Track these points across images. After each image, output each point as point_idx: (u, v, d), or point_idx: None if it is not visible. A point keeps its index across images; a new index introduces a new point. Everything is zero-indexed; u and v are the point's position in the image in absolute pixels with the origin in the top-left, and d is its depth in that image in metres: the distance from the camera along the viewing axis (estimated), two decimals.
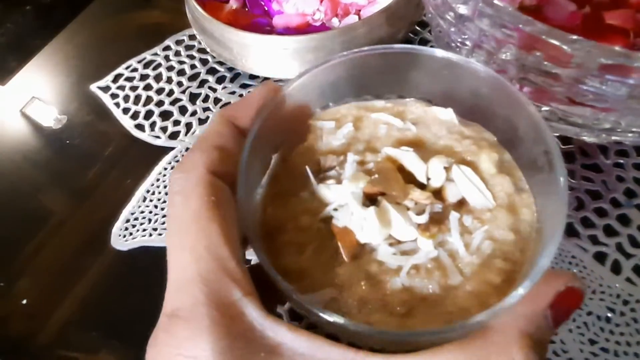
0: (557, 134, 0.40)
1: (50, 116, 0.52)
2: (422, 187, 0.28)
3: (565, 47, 0.27)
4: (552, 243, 0.23)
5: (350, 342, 0.22)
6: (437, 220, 0.27)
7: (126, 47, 0.55)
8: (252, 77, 0.52)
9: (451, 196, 0.28)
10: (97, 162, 0.48)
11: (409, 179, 0.29)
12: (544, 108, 0.33)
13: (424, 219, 0.26)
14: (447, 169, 0.28)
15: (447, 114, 0.32)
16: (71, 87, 0.53)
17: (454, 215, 0.27)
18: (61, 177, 0.48)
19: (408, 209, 0.27)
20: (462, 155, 0.30)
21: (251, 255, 0.26)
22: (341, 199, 0.27)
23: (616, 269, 0.37)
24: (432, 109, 0.33)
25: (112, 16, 0.61)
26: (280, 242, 0.27)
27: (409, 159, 0.29)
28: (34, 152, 0.50)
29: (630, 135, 0.33)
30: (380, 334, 0.22)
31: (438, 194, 0.28)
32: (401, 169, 0.29)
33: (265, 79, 0.51)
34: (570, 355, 0.34)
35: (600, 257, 0.37)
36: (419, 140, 0.31)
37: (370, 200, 0.28)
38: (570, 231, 0.39)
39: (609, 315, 0.35)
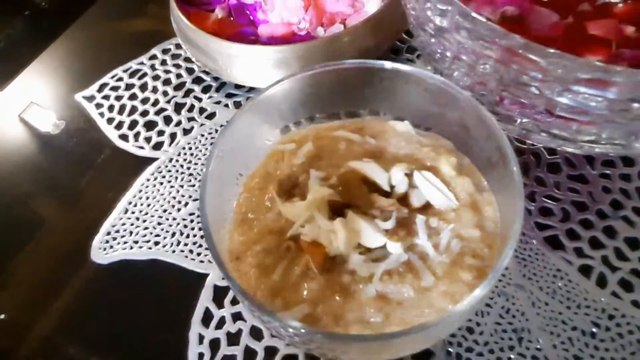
0: (541, 145, 0.41)
1: (49, 121, 0.51)
2: (386, 195, 0.29)
3: (542, 61, 0.27)
4: (512, 234, 0.23)
5: None
6: (404, 225, 0.27)
7: (117, 54, 0.55)
8: (238, 86, 0.51)
9: (416, 201, 0.28)
10: (82, 172, 0.46)
11: (373, 188, 0.29)
12: (525, 120, 0.32)
13: (390, 224, 0.26)
14: (409, 176, 0.29)
15: (404, 126, 0.33)
16: (68, 93, 0.53)
17: (420, 218, 0.27)
18: (45, 187, 0.46)
19: (374, 217, 0.27)
20: (422, 162, 0.31)
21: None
22: (307, 214, 0.27)
23: (602, 282, 0.35)
24: (389, 124, 0.34)
25: (109, 22, 0.61)
26: (249, 266, 0.27)
27: (371, 169, 0.29)
28: (25, 159, 0.48)
29: (612, 147, 0.33)
30: (357, 339, 0.22)
31: (403, 200, 0.29)
32: (364, 180, 0.29)
33: (252, 89, 0.51)
34: None
35: (585, 270, 0.36)
36: (379, 152, 0.32)
37: (336, 213, 0.28)
38: (555, 243, 0.37)
39: (594, 330, 0.33)
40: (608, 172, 0.42)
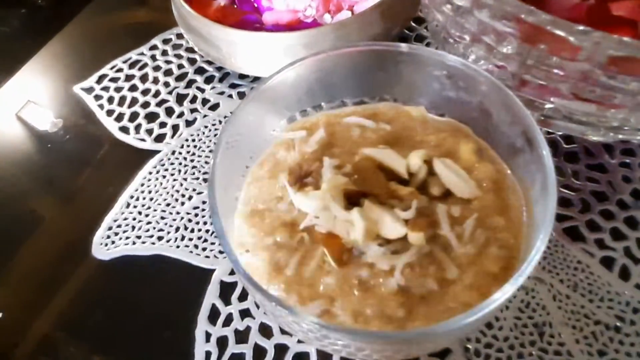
0: (560, 133, 0.39)
1: (47, 120, 0.49)
2: (404, 183, 0.27)
3: (571, 38, 0.25)
4: (545, 223, 0.22)
5: None
6: (425, 214, 0.25)
7: (117, 46, 0.53)
8: (242, 76, 0.49)
9: (436, 189, 0.27)
10: (81, 167, 0.44)
11: (390, 176, 0.27)
12: (547, 105, 0.31)
13: (410, 213, 0.25)
14: (428, 163, 0.27)
15: (419, 112, 0.32)
16: (65, 90, 0.51)
17: (441, 207, 0.26)
18: (44, 182, 0.45)
19: (393, 206, 0.26)
20: (440, 148, 0.29)
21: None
22: (322, 204, 0.26)
23: (625, 274, 0.34)
24: (404, 109, 0.32)
25: (107, 16, 0.59)
26: (260, 260, 0.25)
27: (388, 156, 0.28)
28: (24, 157, 0.47)
29: (639, 133, 0.31)
30: (378, 336, 0.20)
31: (422, 188, 0.27)
32: (381, 168, 0.28)
33: (256, 78, 0.49)
34: None
35: (607, 263, 0.35)
36: (394, 139, 0.30)
37: (352, 202, 0.26)
38: (576, 235, 0.36)
39: (618, 324, 0.32)
40: (628, 160, 0.40)
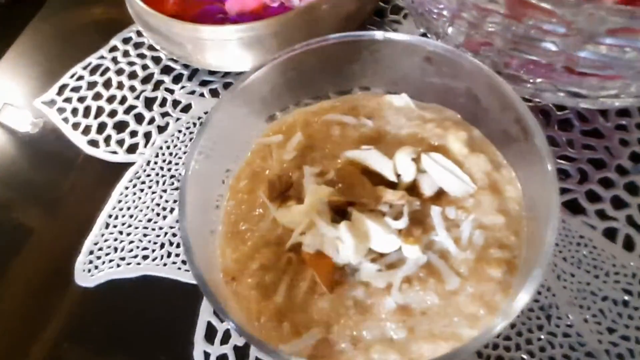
0: (551, 102, 0.37)
1: (26, 121, 0.47)
2: (393, 186, 0.25)
3: (560, 11, 0.23)
4: (552, 215, 0.20)
5: None
6: (419, 221, 0.24)
7: (74, 50, 0.50)
8: (212, 72, 0.47)
9: (427, 189, 0.25)
10: (52, 188, 0.42)
11: (377, 179, 0.25)
12: (538, 80, 0.29)
13: (403, 222, 0.23)
14: (416, 160, 0.25)
15: (402, 100, 0.29)
16: (27, 104, 0.48)
17: (435, 210, 0.24)
18: (12, 210, 0.43)
19: (383, 214, 0.24)
20: (428, 142, 0.27)
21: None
22: (306, 220, 0.24)
23: (629, 245, 0.33)
24: (385, 98, 0.30)
25: (58, 18, 0.55)
26: (247, 287, 0.23)
27: (373, 158, 0.26)
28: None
29: (636, 99, 0.29)
30: None
31: (412, 190, 0.25)
32: (366, 171, 0.26)
33: (227, 73, 0.46)
34: (589, 347, 0.30)
35: (610, 234, 0.33)
36: (378, 135, 0.28)
37: (339, 213, 0.24)
38: (575, 208, 0.35)
39: (626, 298, 0.31)
40: (624, 122, 0.38)
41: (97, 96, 0.47)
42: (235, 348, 0.33)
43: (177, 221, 0.38)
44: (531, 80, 0.28)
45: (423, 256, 0.22)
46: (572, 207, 0.35)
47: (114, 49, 0.50)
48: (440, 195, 0.25)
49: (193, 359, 0.33)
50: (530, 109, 0.23)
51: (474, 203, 0.24)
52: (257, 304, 0.23)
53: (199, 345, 0.33)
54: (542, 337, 0.31)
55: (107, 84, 0.48)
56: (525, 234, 0.23)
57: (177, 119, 0.44)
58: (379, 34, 0.27)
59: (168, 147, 0.43)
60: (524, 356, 0.30)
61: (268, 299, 0.23)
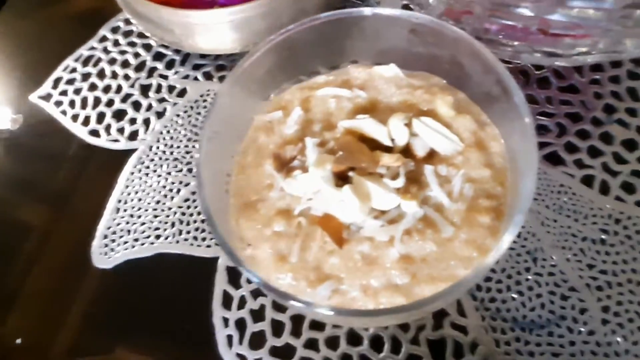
0: (529, 63, 0.39)
1: (5, 118, 0.47)
2: (388, 150, 0.28)
3: None
4: (531, 166, 0.22)
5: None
6: (414, 179, 0.26)
7: (63, 42, 0.50)
8: (203, 56, 0.47)
9: (420, 150, 0.27)
10: (61, 178, 0.43)
11: (374, 145, 0.28)
12: (516, 43, 0.31)
13: (400, 182, 0.25)
14: (408, 125, 0.28)
15: (391, 70, 0.31)
16: (21, 99, 0.49)
17: (428, 169, 0.26)
18: (28, 198, 0.44)
19: (382, 176, 0.26)
20: (418, 107, 0.29)
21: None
22: (313, 187, 0.26)
23: (604, 189, 0.36)
24: (375, 70, 0.32)
25: (43, 10, 0.55)
26: (264, 252, 0.26)
27: (368, 126, 0.28)
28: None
29: (606, 54, 0.31)
30: (392, 312, 0.21)
31: (406, 152, 0.28)
32: (363, 138, 0.28)
33: (218, 56, 0.47)
34: (571, 283, 0.33)
35: (587, 181, 0.36)
36: (372, 105, 0.30)
37: (342, 179, 0.27)
38: (555, 159, 0.37)
39: (603, 237, 0.34)
40: (597, 77, 0.41)
41: (93, 87, 0.48)
42: (252, 312, 0.35)
43: (184, 200, 0.41)
44: (510, 44, 0.31)
45: (420, 210, 0.25)
46: (553, 159, 0.38)
47: (103, 39, 0.51)
48: (432, 155, 0.27)
49: (213, 325, 0.35)
50: (510, 71, 0.26)
51: (463, 160, 0.27)
52: (274, 266, 0.25)
53: (218, 311, 0.36)
54: (530, 277, 0.34)
55: (101, 74, 0.49)
56: (509, 184, 0.26)
57: (175, 104, 0.45)
58: (367, 10, 0.28)
59: (168, 132, 0.44)
60: (514, 295, 0.33)
61: (283, 261, 0.25)
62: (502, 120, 0.28)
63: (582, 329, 0.32)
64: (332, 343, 0.33)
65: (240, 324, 0.35)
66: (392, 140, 0.28)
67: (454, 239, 0.25)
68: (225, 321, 0.35)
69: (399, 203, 0.25)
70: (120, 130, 0.45)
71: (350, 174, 0.26)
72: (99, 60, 0.49)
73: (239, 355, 0.34)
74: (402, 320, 0.23)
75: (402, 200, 0.25)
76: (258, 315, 0.35)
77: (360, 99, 0.30)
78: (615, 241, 0.35)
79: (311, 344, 0.33)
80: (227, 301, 0.36)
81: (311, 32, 0.29)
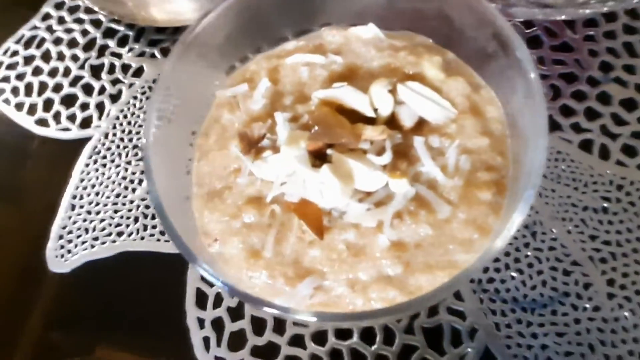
0: (517, 20, 0.37)
1: None
2: (371, 121, 0.24)
3: None
4: (539, 131, 0.19)
5: None
6: (402, 153, 0.23)
7: (3, 23, 0.45)
8: (160, 29, 0.43)
9: (407, 120, 0.24)
10: (7, 176, 0.39)
11: (354, 117, 0.24)
12: None
13: (387, 157, 0.22)
14: (393, 92, 0.24)
15: (370, 31, 0.28)
16: None
17: (418, 141, 0.23)
18: None
19: (365, 152, 0.23)
20: (402, 71, 0.26)
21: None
22: (286, 169, 0.23)
23: (604, 154, 0.34)
24: (351, 31, 0.28)
25: None
26: (233, 247, 0.22)
27: (347, 95, 0.24)
28: None
29: (604, 3, 0.29)
30: (382, 313, 0.18)
31: (391, 123, 0.24)
32: (342, 110, 0.24)
33: (177, 29, 0.43)
34: (573, 257, 0.31)
35: (586, 146, 0.34)
36: (350, 71, 0.26)
37: (319, 157, 0.23)
38: (551, 125, 0.34)
39: (605, 205, 0.32)
40: (592, 32, 0.38)
41: (37, 71, 0.44)
42: (229, 310, 0.32)
43: (148, 192, 0.37)
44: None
45: (411, 189, 0.22)
46: (549, 124, 0.35)
47: (47, 16, 0.46)
48: (421, 125, 0.24)
49: (187, 327, 0.32)
50: None
51: (457, 128, 0.24)
52: (246, 262, 0.22)
53: (192, 312, 0.33)
54: (529, 254, 0.32)
55: (46, 56, 0.44)
56: (511, 153, 0.23)
57: (131, 85, 0.41)
58: None
59: (125, 117, 0.40)
60: (514, 274, 0.31)
61: (256, 255, 0.22)
62: (499, 81, 0.24)
63: (587, 305, 0.30)
64: (320, 338, 0.30)
65: (218, 324, 0.32)
66: (375, 110, 0.24)
67: (451, 219, 0.22)
68: (201, 322, 0.32)
69: (386, 182, 0.22)
70: (71, 118, 0.41)
71: (329, 151, 0.23)
72: (43, 40, 0.45)
73: (217, 358, 0.31)
74: (398, 317, 0.20)
75: (390, 179, 0.22)
76: (236, 313, 0.32)
77: (336, 66, 0.27)
78: (618, 209, 0.32)
79: (296, 341, 0.31)
80: (201, 300, 0.33)
81: None
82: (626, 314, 0.30)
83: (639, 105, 0.35)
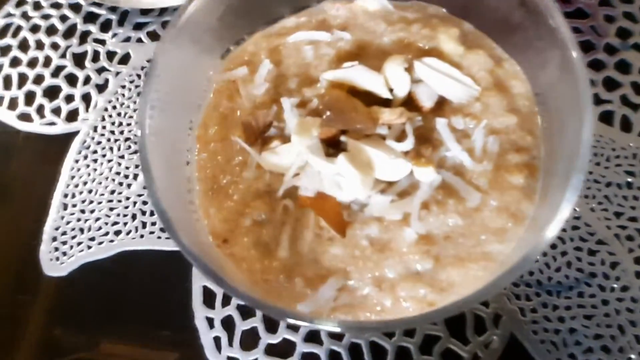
0: None
1: None
2: (387, 103, 0.22)
3: None
4: (584, 106, 0.17)
5: None
6: (424, 138, 0.21)
7: None
8: (145, 12, 0.40)
9: (426, 100, 0.22)
10: None
11: (368, 99, 0.22)
12: None
13: (409, 143, 0.20)
14: (409, 69, 0.22)
15: (377, 2, 0.25)
16: None
17: (440, 123, 0.21)
18: None
19: (383, 137, 0.21)
20: (417, 46, 0.24)
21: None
22: (297, 160, 0.21)
23: (626, 126, 0.32)
24: (357, 3, 0.26)
25: None
26: (244, 247, 0.20)
27: (358, 75, 0.22)
28: None
29: None
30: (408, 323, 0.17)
31: (409, 104, 0.22)
32: (354, 92, 0.22)
33: (164, 10, 0.41)
34: (598, 235, 0.30)
35: (606, 118, 0.32)
36: (359, 48, 0.24)
37: (333, 146, 0.21)
38: None
39: (629, 180, 0.30)
40: None
41: (15, 62, 0.41)
42: (239, 308, 0.31)
43: (144, 187, 0.35)
44: None
45: (437, 176, 0.20)
46: None
47: (21, 2, 0.43)
48: (442, 105, 0.22)
49: (196, 327, 0.31)
50: None
51: (481, 107, 0.22)
52: (260, 264, 0.20)
53: (200, 312, 0.31)
54: None
55: (24, 46, 0.41)
56: (541, 131, 0.21)
57: (117, 73, 0.39)
58: None
59: (114, 107, 0.38)
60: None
61: (271, 256, 0.20)
62: (523, 53, 0.22)
63: (615, 285, 0.29)
64: (337, 333, 0.29)
65: (228, 323, 0.31)
66: (391, 90, 0.22)
67: (482, 207, 0.20)
68: (210, 322, 0.31)
69: (410, 170, 0.20)
70: (56, 111, 0.38)
71: (343, 138, 0.21)
72: (19, 28, 0.42)
73: (230, 358, 0.30)
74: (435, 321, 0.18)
75: (415, 167, 0.20)
76: (247, 310, 0.31)
77: (344, 43, 0.24)
78: None
79: (312, 337, 0.29)
80: (209, 299, 0.31)
81: None
82: None
83: None
